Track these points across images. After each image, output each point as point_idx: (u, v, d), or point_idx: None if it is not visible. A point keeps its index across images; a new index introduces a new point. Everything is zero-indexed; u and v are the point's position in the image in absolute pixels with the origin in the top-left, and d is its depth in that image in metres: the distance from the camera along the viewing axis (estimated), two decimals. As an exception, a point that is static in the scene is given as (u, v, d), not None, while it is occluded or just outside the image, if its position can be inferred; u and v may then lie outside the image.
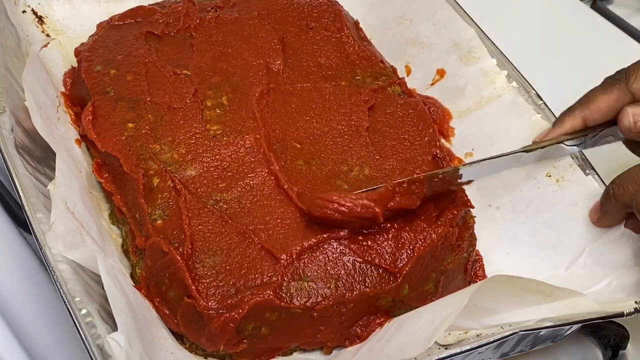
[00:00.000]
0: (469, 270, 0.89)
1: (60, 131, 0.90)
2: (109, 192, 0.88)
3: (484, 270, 0.91)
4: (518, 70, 1.01)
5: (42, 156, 0.88)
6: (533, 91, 0.99)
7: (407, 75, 1.09)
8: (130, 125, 0.91)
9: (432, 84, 1.07)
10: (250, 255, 0.80)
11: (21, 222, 0.93)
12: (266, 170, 0.87)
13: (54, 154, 0.83)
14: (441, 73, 1.06)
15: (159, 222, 0.83)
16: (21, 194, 0.80)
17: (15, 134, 0.86)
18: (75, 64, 1.01)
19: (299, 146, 0.91)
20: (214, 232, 0.81)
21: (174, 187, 0.84)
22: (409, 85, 1.03)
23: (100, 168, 0.90)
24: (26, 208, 0.79)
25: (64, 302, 0.73)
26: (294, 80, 0.98)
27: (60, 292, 0.73)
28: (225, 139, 0.90)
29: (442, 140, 1.01)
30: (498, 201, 0.95)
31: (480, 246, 0.92)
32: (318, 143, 0.92)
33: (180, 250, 0.79)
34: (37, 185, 0.82)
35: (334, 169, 0.89)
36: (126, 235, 0.87)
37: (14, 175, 0.81)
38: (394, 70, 1.06)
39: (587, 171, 0.91)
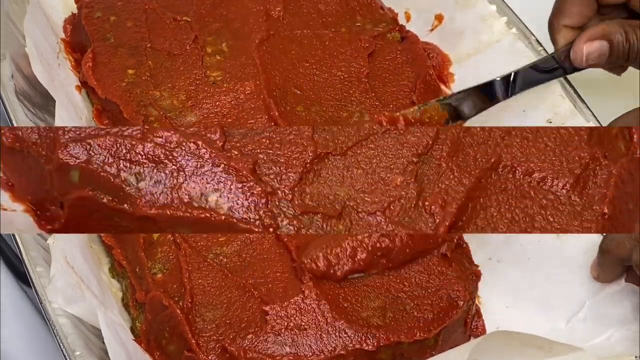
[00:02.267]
0: (469, 323, 0.86)
1: (60, 78, 0.90)
2: (109, 246, 0.86)
3: (483, 324, 0.88)
4: (518, 17, 1.00)
5: (42, 103, 0.88)
6: (533, 37, 0.98)
7: (407, 22, 1.07)
8: (130, 71, 0.91)
9: (432, 29, 1.06)
10: (250, 309, 0.78)
11: (21, 275, 0.92)
12: (266, 117, 0.87)
13: (54, 100, 0.83)
14: (439, 18, 1.06)
15: (159, 275, 0.80)
16: (21, 248, 0.79)
17: (15, 80, 0.86)
18: (75, 11, 1.00)
19: (298, 92, 0.91)
20: (214, 286, 0.79)
21: (173, 240, 0.82)
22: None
23: (100, 115, 0.91)
24: (26, 262, 0.78)
25: (64, 356, 0.73)
26: (294, 26, 0.98)
27: (60, 346, 0.73)
28: (225, 85, 0.90)
29: (442, 87, 1.00)
30: (498, 254, 0.91)
31: (480, 299, 0.89)
32: (318, 89, 0.92)
33: (181, 304, 0.77)
34: (37, 239, 0.81)
35: (334, 115, 0.89)
36: (126, 289, 0.85)
37: (14, 123, 0.81)
38: (394, 17, 1.06)
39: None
